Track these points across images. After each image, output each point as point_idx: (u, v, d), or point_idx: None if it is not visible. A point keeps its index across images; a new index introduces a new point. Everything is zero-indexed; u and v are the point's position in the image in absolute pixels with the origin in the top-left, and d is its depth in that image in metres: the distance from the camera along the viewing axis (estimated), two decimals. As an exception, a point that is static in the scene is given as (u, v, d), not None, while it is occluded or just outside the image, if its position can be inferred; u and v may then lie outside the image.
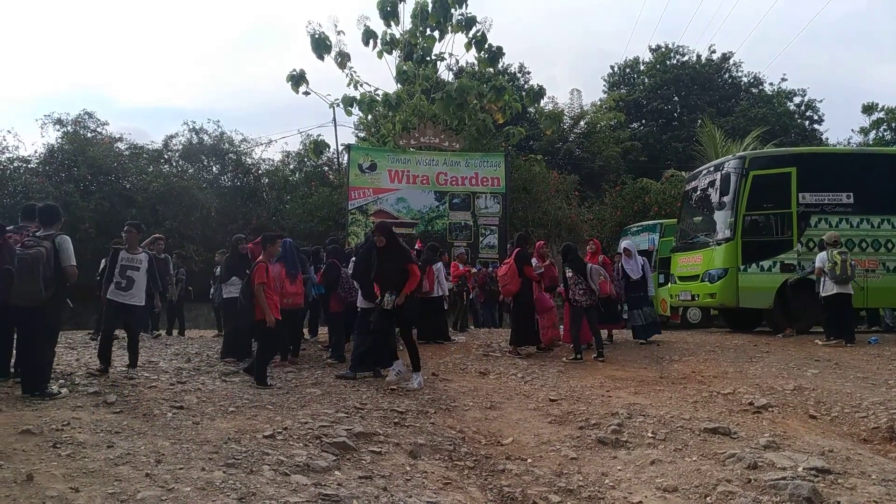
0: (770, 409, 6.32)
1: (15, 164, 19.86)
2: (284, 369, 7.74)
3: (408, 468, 4.53)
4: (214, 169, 22.92)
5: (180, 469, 3.77)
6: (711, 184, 12.21)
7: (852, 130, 35.37)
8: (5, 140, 20.32)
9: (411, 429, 5.46)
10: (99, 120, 21.52)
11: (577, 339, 9.05)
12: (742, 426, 5.79)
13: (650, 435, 5.55)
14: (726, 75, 35.79)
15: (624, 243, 11.23)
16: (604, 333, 9.88)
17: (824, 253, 9.77)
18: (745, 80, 35.91)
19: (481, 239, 15.39)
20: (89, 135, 20.89)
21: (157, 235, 10.63)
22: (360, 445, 4.80)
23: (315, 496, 3.61)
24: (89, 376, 6.46)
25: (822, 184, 11.45)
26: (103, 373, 6.56)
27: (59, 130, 20.52)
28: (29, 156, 20.25)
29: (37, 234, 5.69)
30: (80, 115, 21.01)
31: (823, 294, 9.76)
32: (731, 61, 35.78)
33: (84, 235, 15.94)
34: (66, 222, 6.58)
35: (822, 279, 9.73)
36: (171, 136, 22.69)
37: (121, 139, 21.72)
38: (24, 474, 3.42)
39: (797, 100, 35.48)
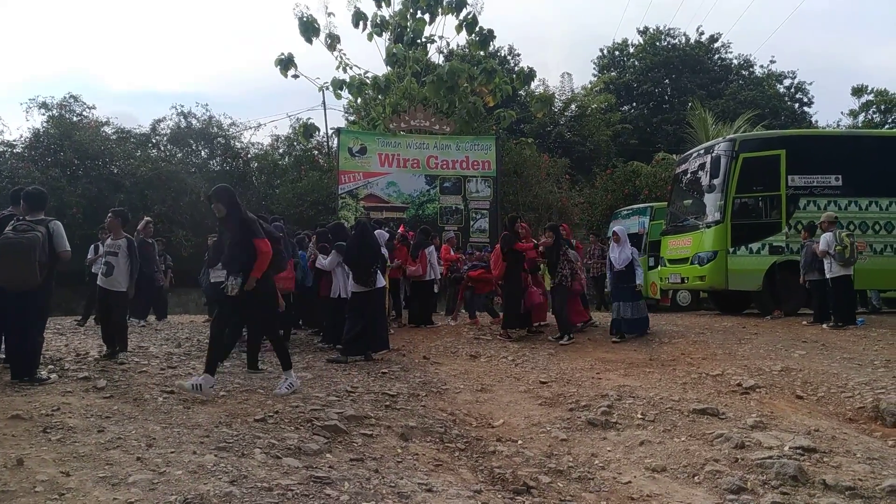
0: (758, 389, 6.39)
1: (0, 149, 19.62)
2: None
3: (399, 450, 4.56)
4: (203, 153, 22.71)
5: (172, 453, 3.78)
6: (701, 166, 12.23)
7: (842, 113, 35.48)
8: (-10, 124, 20.04)
9: (402, 412, 5.49)
10: (85, 104, 21.25)
11: (566, 320, 9.16)
12: (730, 407, 5.86)
13: (639, 416, 5.61)
14: (716, 57, 35.73)
15: (615, 227, 10.54)
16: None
17: (830, 234, 9.59)
18: (734, 62, 35.87)
19: (472, 223, 15.36)
20: (75, 119, 20.62)
21: (147, 219, 10.51)
22: (352, 428, 4.82)
23: (306, 479, 3.63)
24: (79, 362, 6.44)
25: (811, 166, 11.49)
26: (112, 356, 6.60)
27: (44, 114, 20.26)
28: (14, 140, 19.98)
29: (26, 218, 5.64)
30: (65, 98, 20.75)
31: (828, 276, 9.75)
32: (720, 42, 35.71)
33: (71, 221, 15.77)
34: (52, 207, 6.51)
35: (829, 261, 9.66)
36: (159, 121, 22.43)
37: (108, 123, 21.44)
38: (15, 459, 3.42)
39: (787, 82, 35.52)
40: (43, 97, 20.32)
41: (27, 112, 20.44)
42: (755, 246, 11.29)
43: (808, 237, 10.51)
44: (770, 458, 4.50)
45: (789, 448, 4.71)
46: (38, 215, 5.68)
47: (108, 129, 21.21)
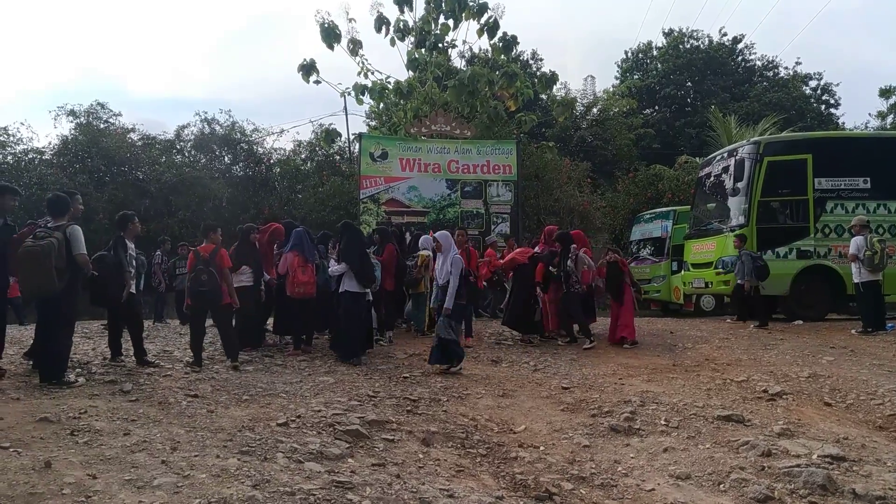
0: (784, 396, 6.28)
1: (30, 156, 20.03)
2: (297, 358, 7.78)
3: (420, 455, 4.55)
4: (226, 159, 22.98)
5: (195, 456, 3.81)
6: (725, 170, 12.10)
7: (869, 114, 34.68)
8: (19, 132, 20.49)
9: (424, 417, 5.49)
10: (111, 111, 21.64)
11: (585, 325, 9.15)
12: (756, 414, 5.76)
13: (663, 422, 5.54)
14: (739, 59, 35.33)
15: (437, 233, 8.21)
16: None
17: (860, 238, 9.46)
18: (758, 63, 35.43)
19: (493, 227, 15.32)
20: (102, 126, 20.99)
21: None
22: (373, 433, 4.83)
23: (328, 483, 3.64)
24: (105, 365, 6.54)
25: (838, 169, 11.32)
26: (148, 364, 6.71)
27: (72, 122, 20.67)
28: (43, 147, 20.43)
29: (48, 225, 5.75)
30: (92, 105, 21.13)
31: (856, 281, 9.62)
32: (743, 44, 35.31)
33: (98, 226, 16.03)
34: (81, 212, 6.59)
35: (857, 266, 9.52)
36: (183, 127, 22.76)
37: (133, 130, 21.82)
38: (43, 461, 3.46)
39: (813, 84, 34.98)
40: (71, 104, 20.71)
41: (55, 119, 20.89)
42: (782, 250, 11.14)
43: (741, 245, 10.91)
44: (798, 466, 4.42)
45: (818, 456, 4.62)
46: (59, 221, 5.77)
47: (133, 136, 21.59)
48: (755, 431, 5.27)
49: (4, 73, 72.69)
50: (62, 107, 20.68)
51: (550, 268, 9.31)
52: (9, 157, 19.84)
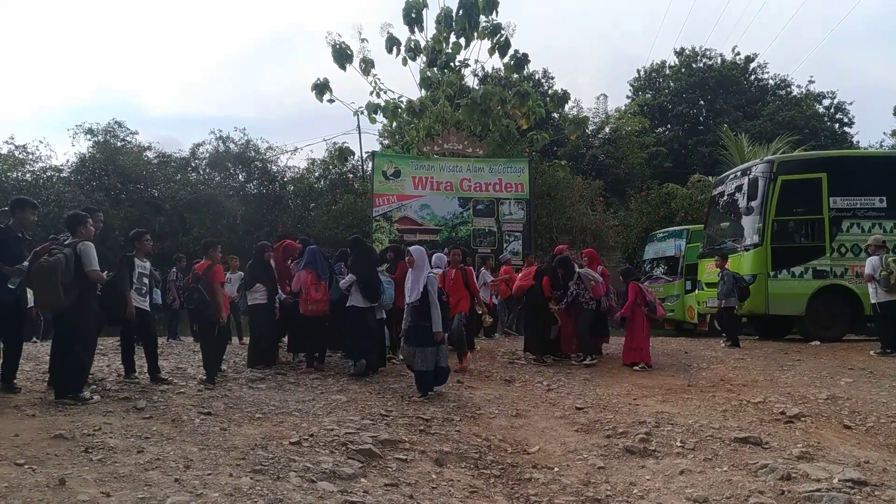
0: (803, 418, 6.18)
1: (48, 174, 20.34)
2: (310, 376, 7.77)
3: (434, 476, 4.52)
4: (241, 177, 23.18)
5: (208, 475, 3.80)
6: (739, 188, 12.06)
7: (884, 133, 34.62)
8: (38, 150, 20.83)
9: (437, 436, 5.45)
10: (128, 129, 21.97)
11: (587, 342, 9.16)
12: (774, 436, 5.67)
13: (679, 444, 5.47)
14: (752, 77, 35.34)
15: (411, 248, 7.45)
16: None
17: (876, 258, 9.36)
18: (771, 82, 35.42)
19: (505, 245, 15.33)
20: (119, 144, 21.29)
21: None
22: (386, 453, 4.80)
23: (341, 503, 3.61)
24: (120, 382, 6.56)
25: (853, 188, 11.24)
26: (161, 381, 6.73)
27: (89, 140, 20.97)
28: (61, 165, 20.74)
29: (65, 241, 5.82)
30: (109, 124, 21.45)
31: (874, 301, 9.51)
32: (756, 63, 35.32)
33: (113, 243, 16.19)
34: (99, 229, 6.61)
35: (874, 286, 9.42)
36: (199, 145, 23.02)
37: (150, 148, 22.12)
38: (57, 479, 3.47)
39: (826, 102, 34.92)
40: (89, 123, 21.04)
41: (73, 137, 21.19)
42: (797, 270, 11.04)
43: (723, 264, 10.95)
44: (818, 490, 4.34)
45: (838, 480, 4.54)
46: (77, 237, 5.84)
47: (149, 154, 21.85)
48: (774, 454, 5.18)
49: (22, 90, 74.12)
50: (80, 125, 21.06)
51: (553, 291, 9.30)
52: (27, 175, 20.17)
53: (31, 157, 20.60)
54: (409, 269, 6.99)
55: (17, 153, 20.38)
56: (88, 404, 5.41)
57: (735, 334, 10.87)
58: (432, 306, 6.76)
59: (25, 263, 5.76)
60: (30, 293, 6.14)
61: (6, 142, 20.40)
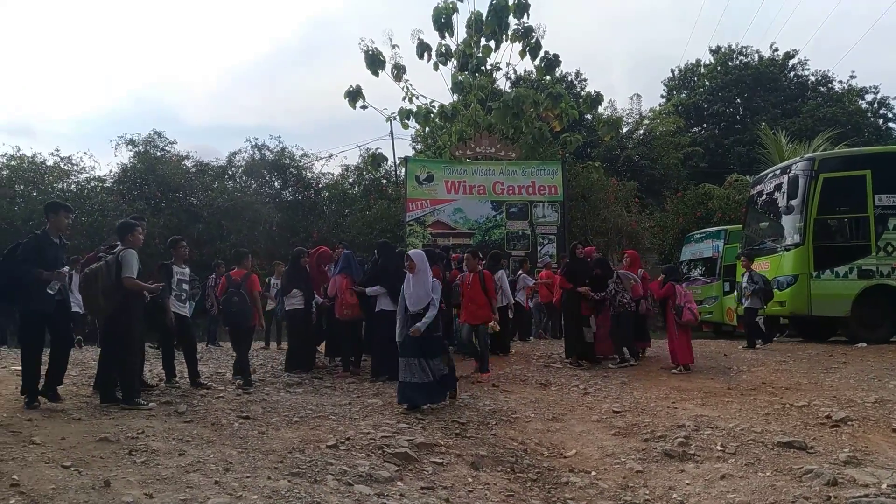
0: (849, 422, 6.00)
1: (92, 184, 20.95)
2: (346, 380, 7.83)
3: (470, 479, 4.51)
4: (276, 184, 23.55)
5: (247, 477, 3.86)
6: (778, 187, 11.78)
7: (931, 128, 33.48)
8: (82, 161, 21.49)
9: (473, 440, 5.44)
10: (167, 139, 22.50)
11: (620, 346, 9.13)
12: (819, 440, 5.52)
13: (719, 448, 5.36)
14: (791, 74, 34.50)
15: (410, 251, 7.14)
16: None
17: None
18: (812, 78, 34.54)
19: (539, 248, 15.24)
20: (158, 153, 21.81)
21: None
22: (422, 456, 4.80)
23: (378, 506, 3.63)
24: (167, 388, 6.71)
25: (900, 185, 10.88)
26: (201, 385, 6.86)
27: (131, 150, 21.54)
28: (104, 175, 21.35)
29: (114, 249, 5.99)
30: (150, 134, 22.00)
31: None
32: (796, 59, 34.49)
33: (154, 251, 16.54)
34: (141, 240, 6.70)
35: None
36: (235, 153, 23.51)
37: (188, 157, 22.62)
38: (102, 480, 3.56)
39: (869, 97, 33.94)
40: (130, 134, 21.66)
41: (115, 148, 21.80)
42: (842, 270, 10.73)
43: (749, 264, 10.89)
44: (866, 496, 4.21)
45: (887, 486, 4.39)
46: (122, 245, 5.99)
47: (188, 163, 22.34)
48: (819, 459, 5.04)
49: (63, 100, 76.48)
50: (122, 136, 21.66)
51: (593, 294, 9.21)
52: (72, 186, 20.80)
53: (75, 168, 21.28)
54: (410, 275, 6.44)
55: (62, 164, 21.05)
56: (142, 409, 5.52)
57: (755, 337, 10.80)
58: (430, 314, 6.27)
59: (66, 268, 5.93)
60: (77, 298, 6.33)
61: (52, 153, 21.11)
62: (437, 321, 6.37)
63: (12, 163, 20.43)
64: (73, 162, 21.25)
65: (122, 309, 5.79)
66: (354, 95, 17.95)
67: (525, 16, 17.48)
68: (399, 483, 4.20)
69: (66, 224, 5.87)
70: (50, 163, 20.89)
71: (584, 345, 9.29)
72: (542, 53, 17.98)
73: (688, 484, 4.73)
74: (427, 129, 19.33)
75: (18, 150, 20.88)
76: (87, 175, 21.29)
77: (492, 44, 18.06)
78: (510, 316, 10.75)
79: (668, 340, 8.97)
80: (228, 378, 7.64)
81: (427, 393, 6.25)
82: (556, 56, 18.18)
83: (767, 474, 4.80)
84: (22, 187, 20.16)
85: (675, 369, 8.63)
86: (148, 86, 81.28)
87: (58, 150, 21.49)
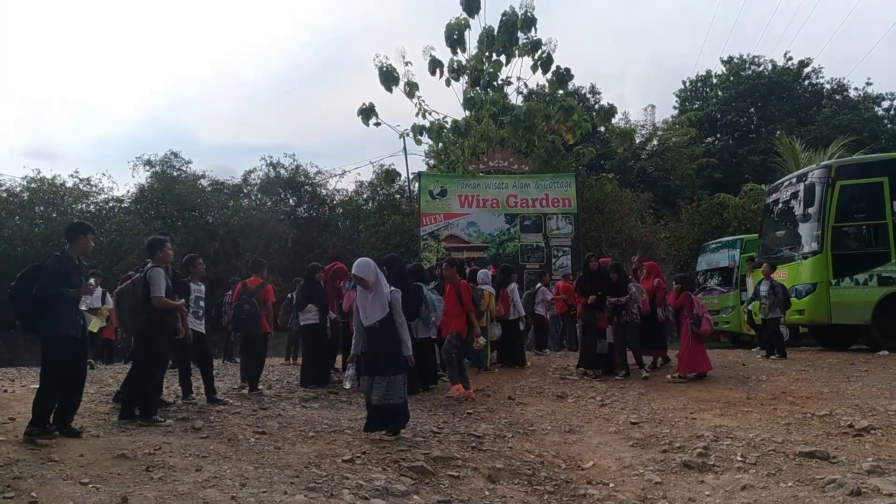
0: (872, 431, 5.89)
1: (110, 205, 21.25)
2: (361, 394, 7.81)
3: (486, 493, 4.47)
4: (291, 201, 23.72)
5: (264, 492, 3.86)
6: (794, 195, 11.70)
7: (948, 134, 33.02)
8: (101, 182, 21.80)
9: (489, 453, 5.41)
10: (183, 159, 22.75)
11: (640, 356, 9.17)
12: (842, 450, 5.42)
13: (739, 458, 5.28)
14: (806, 83, 34.27)
15: (356, 262, 5.84)
16: (647, 360, 9.58)
17: None
18: (827, 86, 34.28)
19: (554, 260, 15.21)
20: (175, 173, 22.07)
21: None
22: (438, 469, 4.78)
23: (394, 520, 3.61)
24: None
25: (919, 191, 10.76)
26: (217, 401, 6.86)
27: (148, 171, 21.82)
28: (122, 196, 21.66)
29: (143, 268, 6.08)
30: (166, 155, 22.28)
31: None
32: (811, 68, 34.27)
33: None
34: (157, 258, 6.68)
35: None
36: (250, 171, 23.72)
37: (203, 176, 22.85)
38: (120, 497, 3.57)
39: (886, 104, 33.60)
40: (147, 154, 21.94)
41: (133, 169, 22.07)
42: (861, 277, 10.61)
43: (770, 272, 10.67)
44: (891, 506, 4.13)
45: (912, 495, 4.31)
46: (152, 262, 6.05)
47: (203, 182, 22.58)
48: (842, 469, 4.95)
49: (82, 123, 77.78)
50: (139, 157, 21.94)
51: (610, 300, 9.17)
52: (91, 206, 21.09)
53: (94, 189, 21.59)
54: (363, 289, 5.65)
55: (81, 186, 21.38)
56: (160, 426, 5.55)
57: (775, 346, 10.59)
58: (399, 328, 5.63)
59: (92, 280, 6.06)
60: (87, 319, 6.34)
61: (71, 175, 21.45)
62: (395, 338, 5.63)
63: (33, 185, 20.78)
64: (92, 183, 21.58)
65: (150, 327, 5.87)
66: (367, 113, 18.09)
67: (533, 30, 17.59)
68: (415, 497, 4.18)
69: (91, 247, 5.48)
70: (69, 184, 21.23)
71: (596, 357, 9.29)
72: (553, 67, 18.07)
73: (708, 495, 4.66)
74: (440, 144, 19.41)
75: (39, 172, 21.25)
76: (106, 196, 21.63)
77: (503, 58, 18.17)
78: (521, 328, 10.75)
79: (680, 349, 8.91)
80: (244, 394, 7.66)
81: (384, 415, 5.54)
82: (567, 70, 18.26)
83: (789, 485, 4.72)
84: (42, 209, 20.49)
85: (673, 377, 8.63)
86: (166, 106, 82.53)
87: (77, 172, 21.86)
